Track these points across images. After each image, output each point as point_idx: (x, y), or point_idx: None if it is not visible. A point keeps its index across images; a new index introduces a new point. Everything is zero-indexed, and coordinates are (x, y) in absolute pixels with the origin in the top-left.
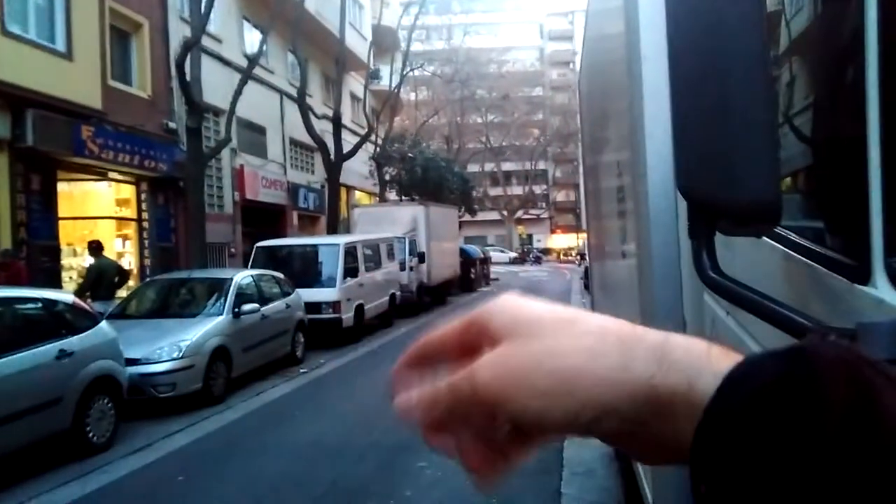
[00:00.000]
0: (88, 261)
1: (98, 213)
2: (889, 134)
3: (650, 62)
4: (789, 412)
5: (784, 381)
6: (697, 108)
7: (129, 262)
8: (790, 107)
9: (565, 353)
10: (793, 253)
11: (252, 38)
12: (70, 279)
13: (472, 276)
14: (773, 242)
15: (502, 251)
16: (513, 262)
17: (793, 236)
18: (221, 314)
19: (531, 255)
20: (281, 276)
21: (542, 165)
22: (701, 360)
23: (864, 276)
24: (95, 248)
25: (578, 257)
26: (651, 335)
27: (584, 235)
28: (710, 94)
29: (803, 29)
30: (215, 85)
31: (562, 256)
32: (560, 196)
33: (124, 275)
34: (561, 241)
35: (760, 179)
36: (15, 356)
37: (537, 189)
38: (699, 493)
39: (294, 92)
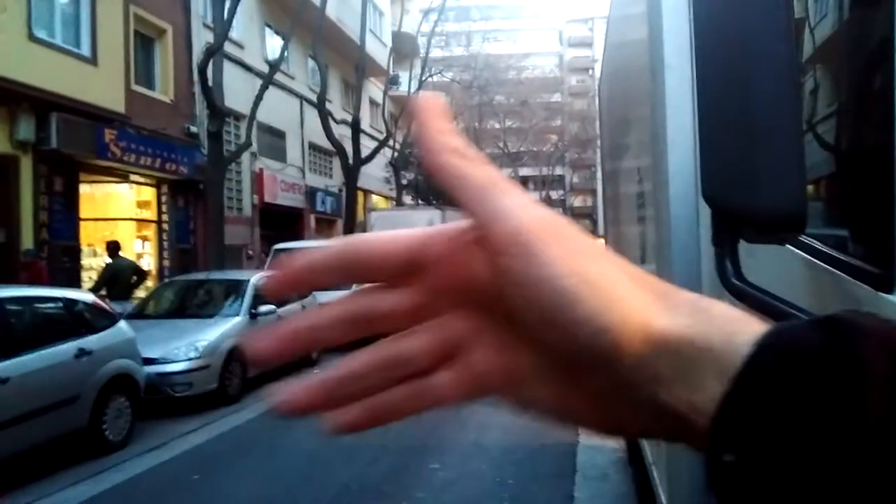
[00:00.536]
0: (108, 262)
1: (119, 215)
2: None
3: (673, 69)
4: (830, 384)
5: (824, 352)
6: (723, 116)
7: (149, 263)
8: (816, 114)
9: (606, 263)
10: (816, 261)
11: (273, 45)
12: (90, 279)
13: None
14: (795, 250)
15: None
16: None
17: (816, 244)
18: (238, 315)
19: None
20: None
21: (559, 171)
22: (737, 321)
23: (889, 285)
24: (112, 248)
25: None
26: (685, 291)
27: (602, 241)
28: (736, 102)
29: (830, 35)
30: (237, 90)
31: None
32: (577, 202)
33: (142, 275)
34: None
35: (785, 187)
36: (35, 354)
37: (554, 194)
38: (720, 462)
39: (314, 97)
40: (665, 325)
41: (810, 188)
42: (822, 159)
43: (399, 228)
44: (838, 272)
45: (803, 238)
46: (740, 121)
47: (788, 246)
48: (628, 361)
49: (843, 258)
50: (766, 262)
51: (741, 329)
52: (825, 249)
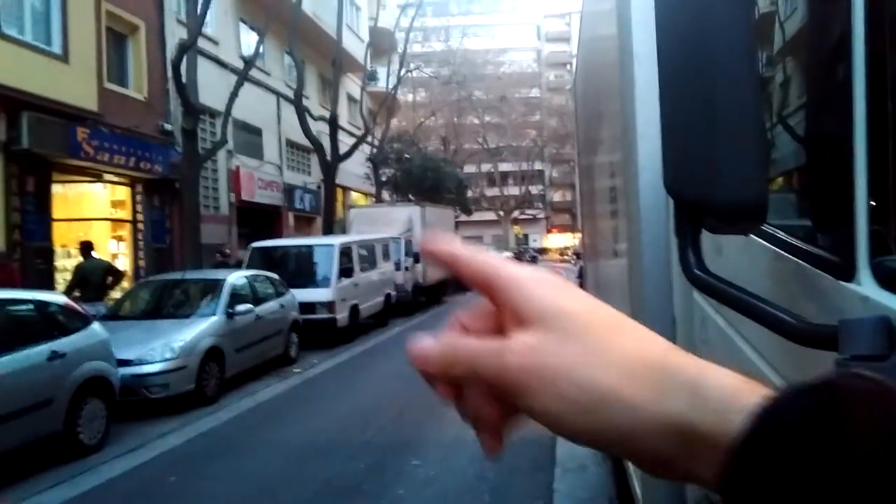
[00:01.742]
0: (79, 263)
1: (93, 215)
2: (875, 134)
3: (642, 63)
4: (818, 451)
5: (812, 419)
6: (685, 107)
7: (124, 263)
8: (778, 106)
9: (600, 367)
10: (780, 251)
11: (248, 40)
12: (63, 281)
13: None
14: (761, 241)
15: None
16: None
17: (781, 234)
18: (215, 315)
19: (527, 255)
20: (275, 276)
21: (538, 166)
22: (735, 395)
23: (849, 274)
24: (85, 248)
25: (574, 257)
26: (688, 366)
27: (579, 235)
28: (697, 93)
29: (791, 30)
30: (211, 86)
31: (559, 255)
32: (556, 196)
33: (118, 275)
34: (557, 240)
35: (746, 178)
36: (6, 357)
37: (534, 189)
38: None
39: (290, 93)
40: (665, 417)
41: (778, 180)
42: (788, 151)
43: (378, 224)
44: (801, 262)
45: (767, 228)
46: (702, 112)
47: (754, 236)
48: (635, 445)
49: (806, 248)
50: (732, 253)
51: (735, 405)
52: (789, 240)
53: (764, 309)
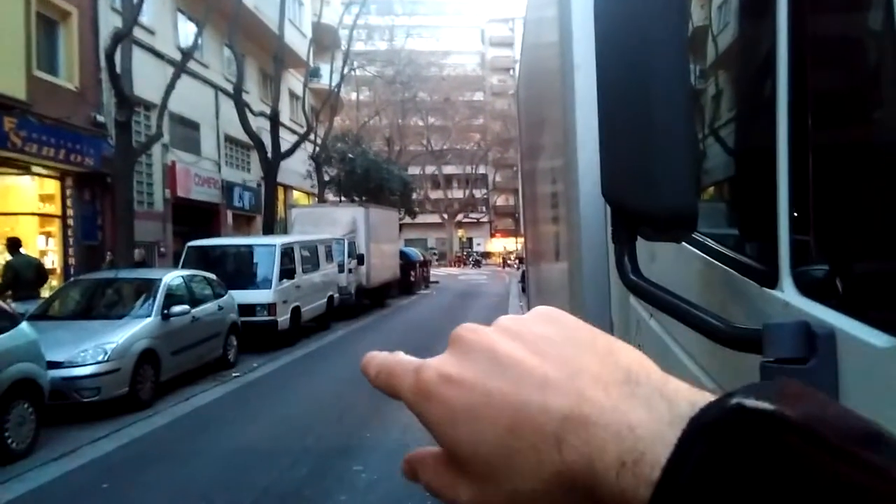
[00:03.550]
0: (8, 260)
1: (20, 209)
2: (797, 148)
3: (583, 71)
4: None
5: (706, 469)
6: (622, 119)
7: (53, 260)
8: (709, 120)
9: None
10: (710, 258)
11: (187, 31)
12: None
13: (412, 278)
14: (692, 248)
15: None
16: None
17: (710, 243)
18: (150, 316)
19: (471, 259)
20: (213, 276)
21: (482, 170)
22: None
23: (773, 281)
24: (12, 245)
25: (517, 261)
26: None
27: (522, 239)
28: (633, 106)
29: (722, 47)
30: (147, 78)
31: (502, 260)
32: (500, 200)
33: (43, 274)
34: (501, 244)
35: (678, 188)
36: None
37: (477, 193)
38: None
39: (230, 87)
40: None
41: (709, 190)
42: (718, 163)
43: (321, 225)
44: (729, 269)
45: (699, 237)
46: (637, 125)
47: (685, 244)
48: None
49: (733, 256)
50: (666, 260)
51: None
52: (718, 248)
53: (694, 313)
